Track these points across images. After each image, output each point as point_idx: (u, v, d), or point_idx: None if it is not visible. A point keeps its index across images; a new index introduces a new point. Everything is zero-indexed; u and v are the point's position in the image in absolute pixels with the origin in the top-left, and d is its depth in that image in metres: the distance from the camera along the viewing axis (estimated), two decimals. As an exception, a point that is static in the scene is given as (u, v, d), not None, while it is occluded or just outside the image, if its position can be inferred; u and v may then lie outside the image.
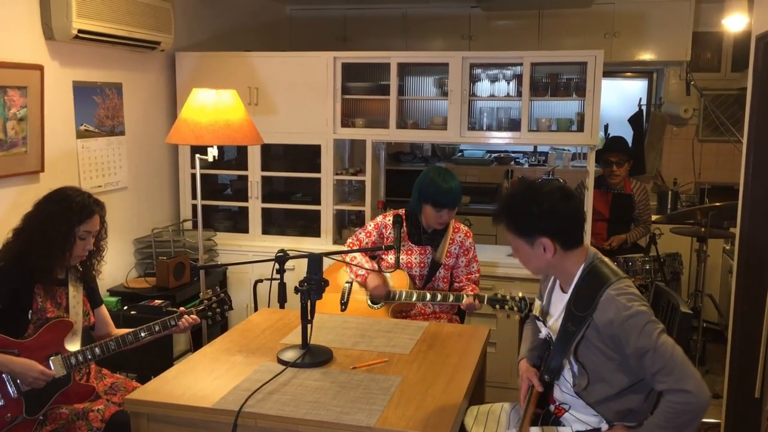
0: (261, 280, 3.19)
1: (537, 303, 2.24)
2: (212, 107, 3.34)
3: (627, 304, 1.90)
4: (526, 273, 3.85)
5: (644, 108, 5.85)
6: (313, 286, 2.40)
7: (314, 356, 2.41)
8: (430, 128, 4.19)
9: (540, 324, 2.22)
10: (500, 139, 4.09)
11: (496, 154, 6.12)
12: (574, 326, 1.99)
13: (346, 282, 3.27)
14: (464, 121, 4.03)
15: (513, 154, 6.12)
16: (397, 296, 3.12)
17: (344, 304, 3.19)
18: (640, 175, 5.39)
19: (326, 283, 2.44)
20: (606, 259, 2.07)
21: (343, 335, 2.70)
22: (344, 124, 4.24)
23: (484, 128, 4.14)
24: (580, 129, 3.95)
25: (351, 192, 4.53)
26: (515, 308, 2.85)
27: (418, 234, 3.25)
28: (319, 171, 4.28)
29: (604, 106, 3.91)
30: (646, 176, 5.59)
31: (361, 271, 3.19)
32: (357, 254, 3.25)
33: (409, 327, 2.81)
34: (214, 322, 2.72)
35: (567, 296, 2.06)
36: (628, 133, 5.62)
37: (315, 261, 2.43)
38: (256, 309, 3.13)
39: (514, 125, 4.09)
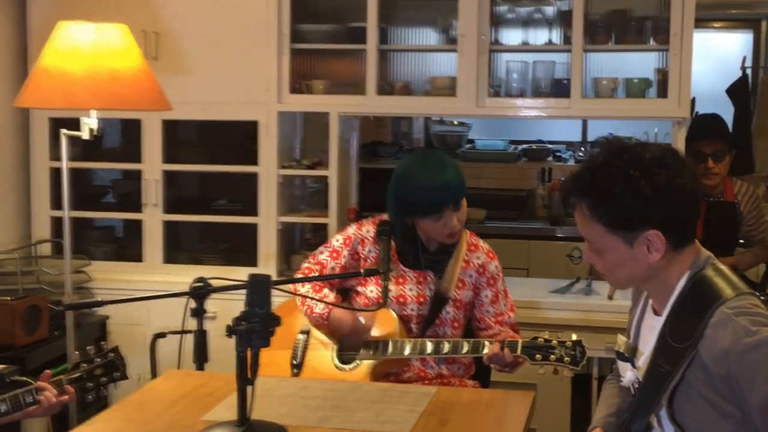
0: (163, 335, 3.20)
1: (620, 338, 2.25)
2: (91, 50, 3.32)
3: (751, 328, 1.92)
4: (582, 318, 3.97)
5: (749, 73, 5.93)
6: (256, 325, 2.34)
7: (258, 438, 2.40)
8: (430, 94, 4.22)
9: (624, 365, 2.23)
10: (538, 109, 4.14)
11: (524, 146, 6.17)
12: (669, 364, 2.01)
13: (301, 332, 3.26)
14: (483, 84, 4.06)
15: (550, 146, 6.17)
16: (380, 349, 3.10)
17: (297, 366, 3.19)
18: (747, 175, 5.42)
19: (276, 321, 2.39)
20: (723, 267, 2.09)
21: (304, 407, 2.67)
22: (295, 90, 4.27)
23: (513, 94, 4.18)
24: (662, 94, 4.00)
25: (305, 196, 4.54)
26: (566, 358, 2.82)
27: (415, 253, 3.24)
28: (255, 163, 4.30)
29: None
30: (754, 176, 5.63)
31: (319, 308, 3.17)
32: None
33: (407, 394, 2.80)
34: (99, 398, 2.67)
35: (661, 320, 2.08)
36: (726, 112, 5.67)
37: (259, 287, 2.39)
38: (154, 377, 3.12)
39: (559, 90, 4.13)
